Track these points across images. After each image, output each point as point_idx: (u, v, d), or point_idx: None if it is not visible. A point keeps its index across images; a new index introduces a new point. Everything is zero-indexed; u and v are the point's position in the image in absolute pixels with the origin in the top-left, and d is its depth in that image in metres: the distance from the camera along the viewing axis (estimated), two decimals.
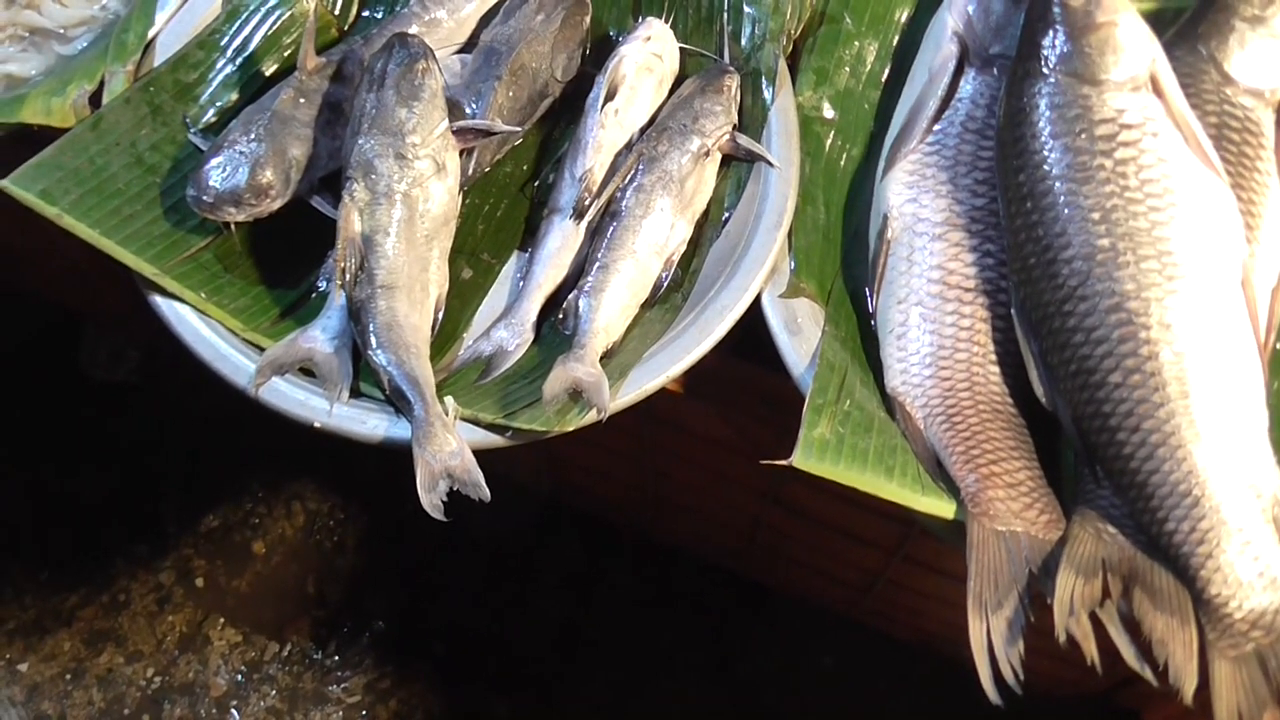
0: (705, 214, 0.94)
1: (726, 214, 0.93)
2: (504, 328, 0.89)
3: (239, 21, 1.00)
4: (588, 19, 1.02)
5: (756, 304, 0.86)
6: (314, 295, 0.91)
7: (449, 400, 0.81)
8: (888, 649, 1.37)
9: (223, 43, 0.99)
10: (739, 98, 0.97)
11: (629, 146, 0.95)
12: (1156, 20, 0.89)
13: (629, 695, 1.39)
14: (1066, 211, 0.79)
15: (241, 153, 0.88)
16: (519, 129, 0.98)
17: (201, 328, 0.85)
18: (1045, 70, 0.83)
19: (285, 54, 1.01)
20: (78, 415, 1.58)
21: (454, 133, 0.89)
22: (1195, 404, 0.75)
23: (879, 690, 1.38)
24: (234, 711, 1.39)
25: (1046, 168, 0.81)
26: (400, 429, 0.81)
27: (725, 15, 1.01)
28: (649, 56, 0.97)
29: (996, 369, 0.84)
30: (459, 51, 1.03)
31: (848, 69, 1.00)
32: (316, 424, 0.82)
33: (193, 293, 0.86)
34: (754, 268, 0.87)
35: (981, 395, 0.83)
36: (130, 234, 0.88)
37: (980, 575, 0.74)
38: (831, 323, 0.87)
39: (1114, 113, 0.81)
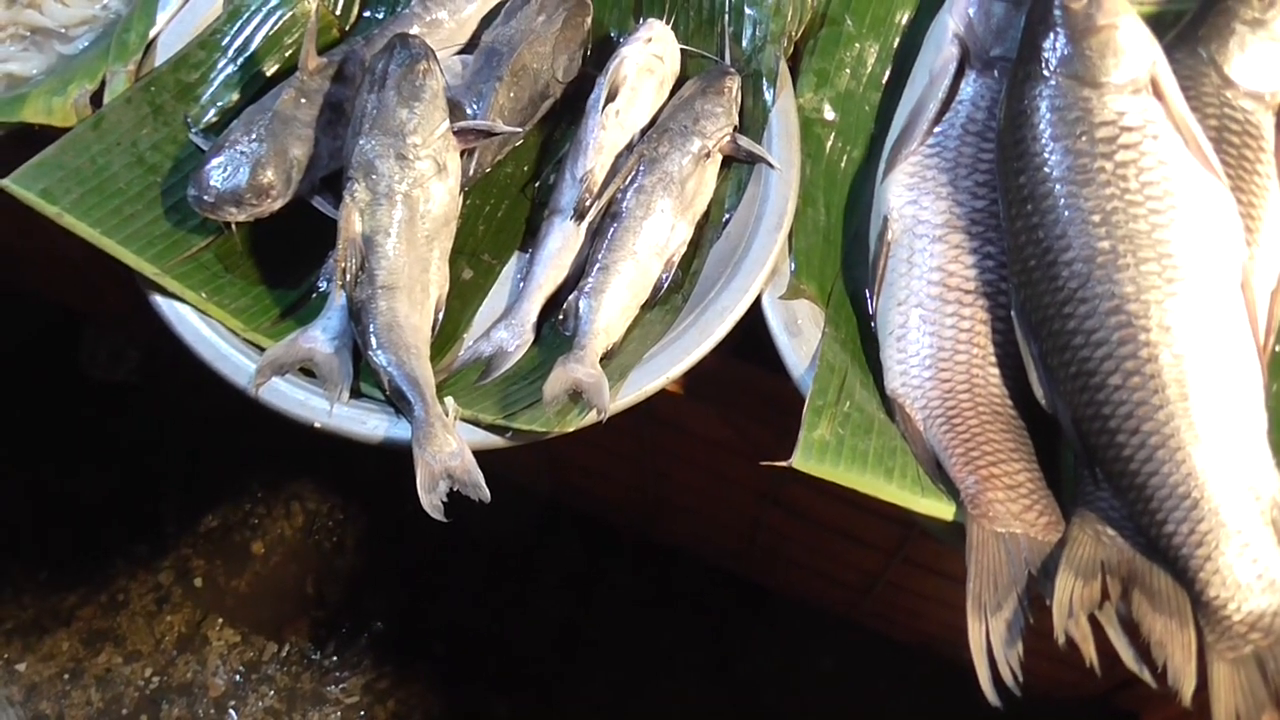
0: (706, 215, 0.94)
1: (727, 215, 0.93)
2: (504, 328, 0.89)
3: (240, 21, 1.00)
4: (589, 20, 1.02)
5: (757, 305, 0.87)
6: (314, 295, 0.91)
7: (449, 401, 0.81)
8: (887, 650, 1.37)
9: (224, 43, 0.99)
10: (740, 99, 0.97)
11: (630, 148, 0.95)
12: (1157, 23, 0.89)
13: (629, 695, 1.39)
14: (1067, 214, 0.80)
15: (243, 153, 0.88)
16: (520, 130, 0.98)
17: (202, 328, 0.85)
18: (1046, 73, 0.84)
19: (286, 54, 1.01)
20: (77, 415, 1.58)
21: (455, 133, 0.89)
22: (1195, 406, 0.75)
23: (878, 691, 1.38)
24: (232, 712, 1.39)
25: (1047, 170, 0.81)
26: (400, 429, 0.81)
27: (726, 17, 1.02)
28: (650, 58, 0.98)
29: (996, 371, 0.84)
30: (460, 52, 1.03)
31: (849, 71, 1.00)
32: (317, 424, 0.82)
33: (193, 292, 0.86)
34: (754, 269, 0.87)
35: (981, 397, 0.83)
36: (131, 233, 0.88)
37: (980, 577, 0.74)
38: (831, 324, 0.87)
39: (1114, 115, 0.81)
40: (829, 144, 0.98)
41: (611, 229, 0.90)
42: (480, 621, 1.44)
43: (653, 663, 1.40)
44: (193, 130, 0.95)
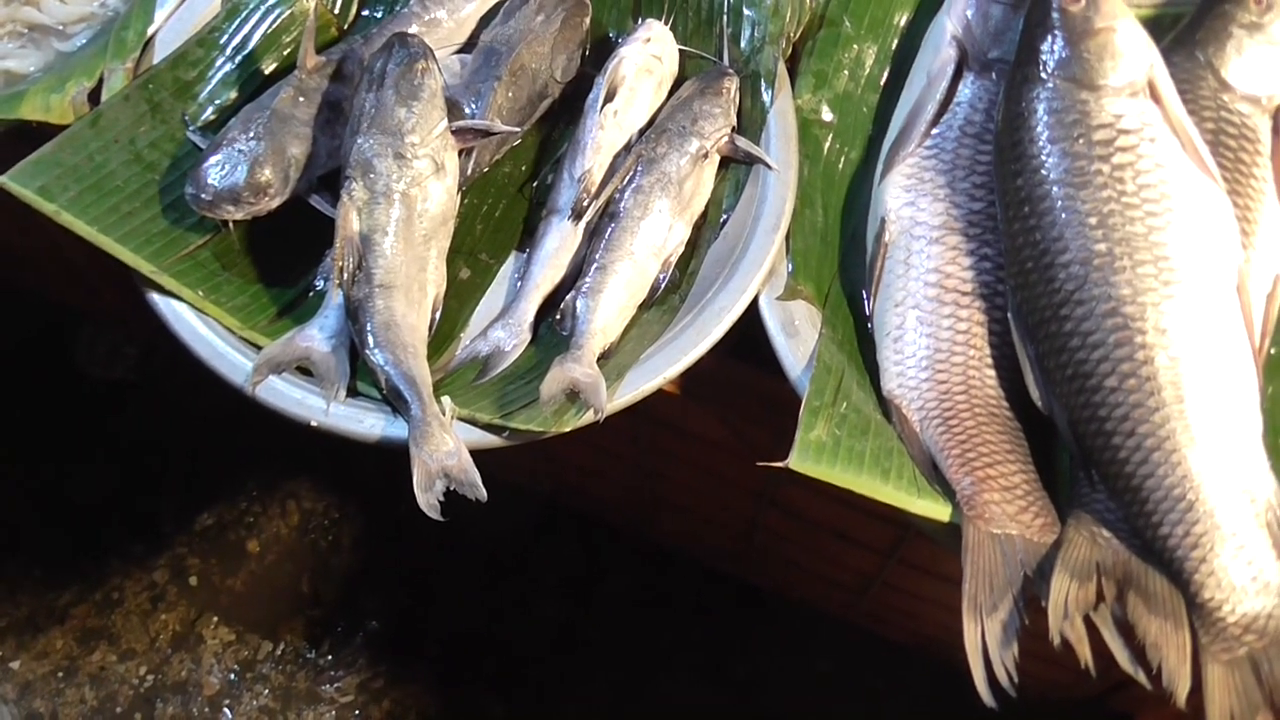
0: (703, 216, 0.94)
1: (725, 216, 0.93)
2: (501, 328, 0.89)
3: (239, 20, 1.00)
4: (587, 20, 1.03)
5: (754, 306, 0.87)
6: (312, 294, 0.91)
7: (446, 400, 0.81)
8: (883, 651, 1.37)
9: (222, 41, 0.99)
10: (738, 100, 0.97)
11: (628, 148, 0.95)
12: (1154, 26, 0.89)
13: (626, 696, 1.39)
14: (1064, 216, 0.80)
15: (240, 151, 0.88)
16: (518, 129, 0.98)
17: (199, 326, 0.85)
18: (1043, 75, 0.84)
19: (285, 53, 1.01)
20: (74, 412, 1.57)
21: (453, 133, 0.89)
22: (1190, 409, 0.75)
23: (875, 692, 1.38)
24: (227, 710, 1.39)
25: (1044, 172, 0.81)
26: (397, 428, 0.81)
27: (725, 18, 1.02)
28: (648, 58, 0.98)
29: (993, 372, 0.84)
30: (459, 51, 1.03)
31: (847, 72, 1.00)
32: (314, 423, 0.81)
33: (190, 290, 0.86)
34: (752, 270, 0.87)
35: (978, 399, 0.83)
36: (128, 231, 0.88)
37: (975, 578, 0.74)
38: (828, 325, 0.87)
39: (1112, 118, 0.81)
40: (827, 145, 0.98)
41: (609, 229, 0.90)
42: (477, 621, 1.44)
43: (650, 663, 1.40)
44: (190, 128, 0.95)
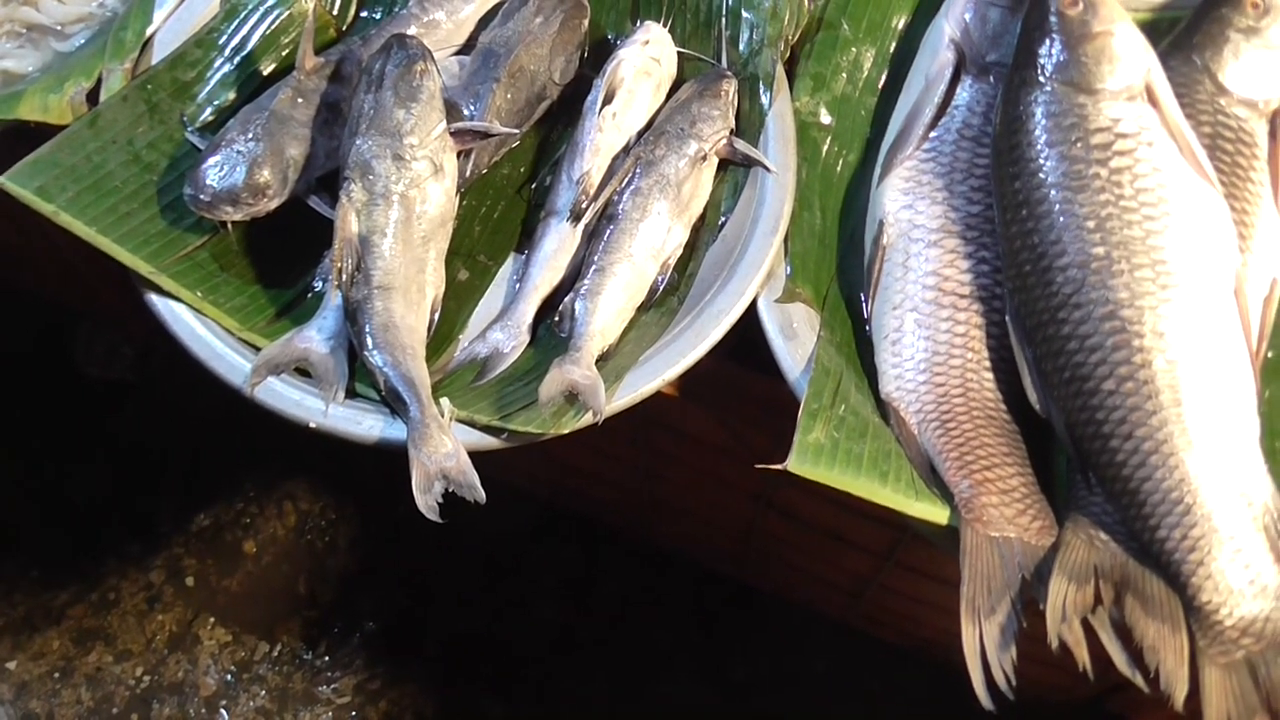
0: (702, 218, 0.94)
1: (723, 218, 0.93)
2: (500, 329, 0.89)
3: (237, 20, 1.00)
4: (586, 22, 1.03)
5: (752, 308, 0.87)
6: (310, 295, 0.91)
7: (445, 401, 0.81)
8: (880, 653, 1.37)
9: (221, 41, 0.99)
10: (736, 102, 0.97)
11: (626, 150, 0.95)
12: (1152, 30, 0.89)
13: (624, 697, 1.39)
14: (1061, 219, 0.80)
15: (239, 152, 0.88)
16: (516, 131, 0.98)
17: (197, 326, 0.85)
18: (1041, 79, 0.84)
19: (283, 53, 1.01)
20: (71, 412, 1.57)
21: (452, 134, 0.89)
22: (1188, 412, 0.75)
23: (871, 694, 1.38)
24: (223, 711, 1.39)
25: (1042, 176, 0.81)
26: (396, 430, 0.81)
27: (723, 20, 1.02)
28: (647, 60, 0.98)
29: (990, 375, 0.84)
30: (457, 53, 1.03)
31: (845, 75, 1.01)
32: (312, 424, 0.81)
33: (189, 291, 0.86)
34: (750, 272, 0.87)
35: (975, 401, 0.83)
36: (127, 232, 0.88)
37: (974, 581, 0.74)
38: (827, 328, 0.87)
39: (1109, 122, 0.81)
40: (825, 148, 0.98)
41: (608, 231, 0.90)
42: (475, 623, 1.44)
43: (647, 665, 1.40)
44: (189, 129, 0.95)
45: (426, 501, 0.78)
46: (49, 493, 1.52)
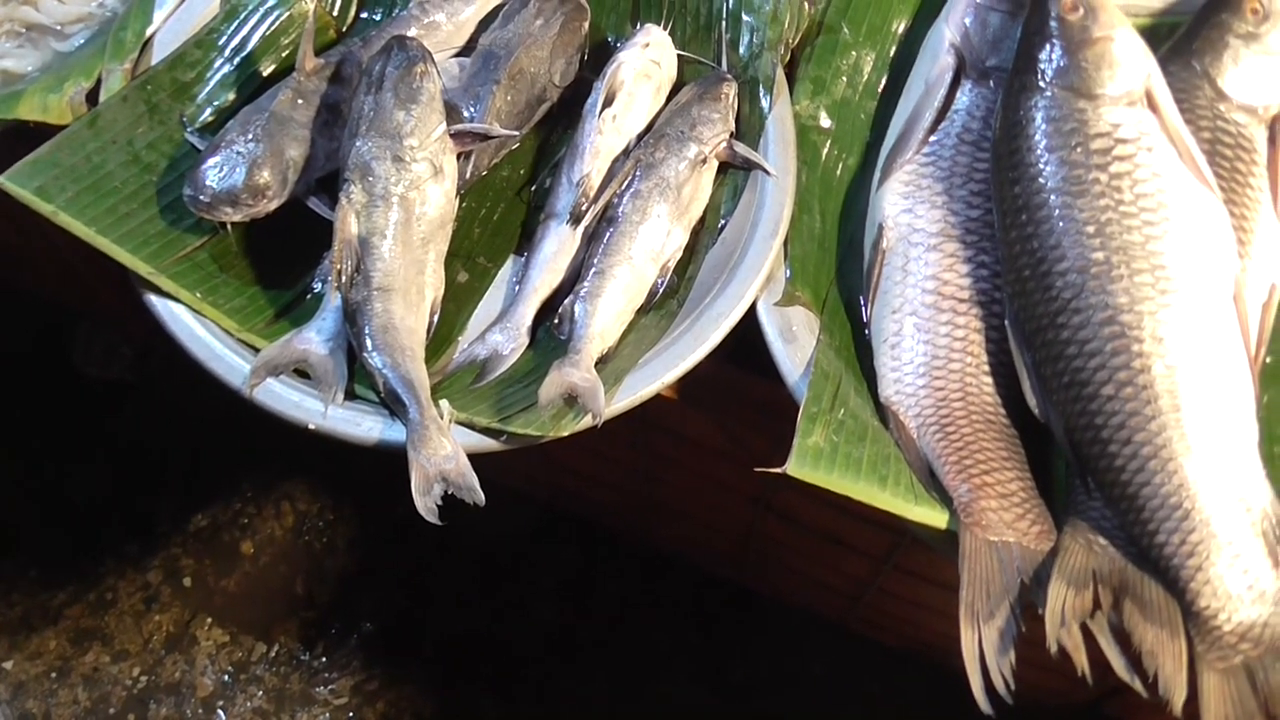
0: (701, 221, 0.94)
1: (723, 221, 0.93)
2: (499, 331, 0.89)
3: (237, 21, 1.00)
4: (586, 24, 1.03)
5: (752, 311, 0.87)
6: (309, 296, 0.91)
7: (444, 403, 0.81)
8: (878, 656, 1.37)
9: (220, 42, 0.99)
10: (736, 106, 0.97)
11: (626, 152, 0.95)
12: (1151, 35, 0.89)
13: (623, 699, 1.39)
14: (1061, 224, 0.80)
15: (239, 153, 0.88)
16: (516, 133, 0.98)
17: (196, 327, 0.85)
18: (1041, 84, 0.84)
19: (283, 54, 1.01)
20: (70, 412, 1.57)
21: (451, 136, 0.89)
22: (1186, 417, 0.75)
23: (870, 696, 1.38)
24: (220, 712, 1.39)
25: (1042, 180, 0.82)
26: (395, 432, 0.81)
27: (724, 23, 1.02)
28: (647, 63, 0.98)
29: (990, 380, 0.84)
30: (457, 55, 1.03)
31: (845, 79, 1.01)
32: (311, 426, 0.81)
33: (188, 292, 0.86)
34: (750, 275, 0.87)
35: (974, 405, 0.83)
36: (126, 232, 0.88)
37: (972, 585, 0.74)
38: (826, 331, 0.87)
39: (1109, 127, 0.81)
40: (825, 151, 0.98)
41: (607, 233, 0.90)
42: (473, 624, 1.44)
43: (646, 667, 1.40)
44: (189, 130, 0.95)
45: (426, 504, 0.77)
46: (47, 492, 1.52)
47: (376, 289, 0.83)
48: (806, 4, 1.00)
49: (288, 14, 1.01)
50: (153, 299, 0.86)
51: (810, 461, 0.78)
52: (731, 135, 0.95)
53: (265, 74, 0.99)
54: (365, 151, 0.86)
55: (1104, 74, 0.83)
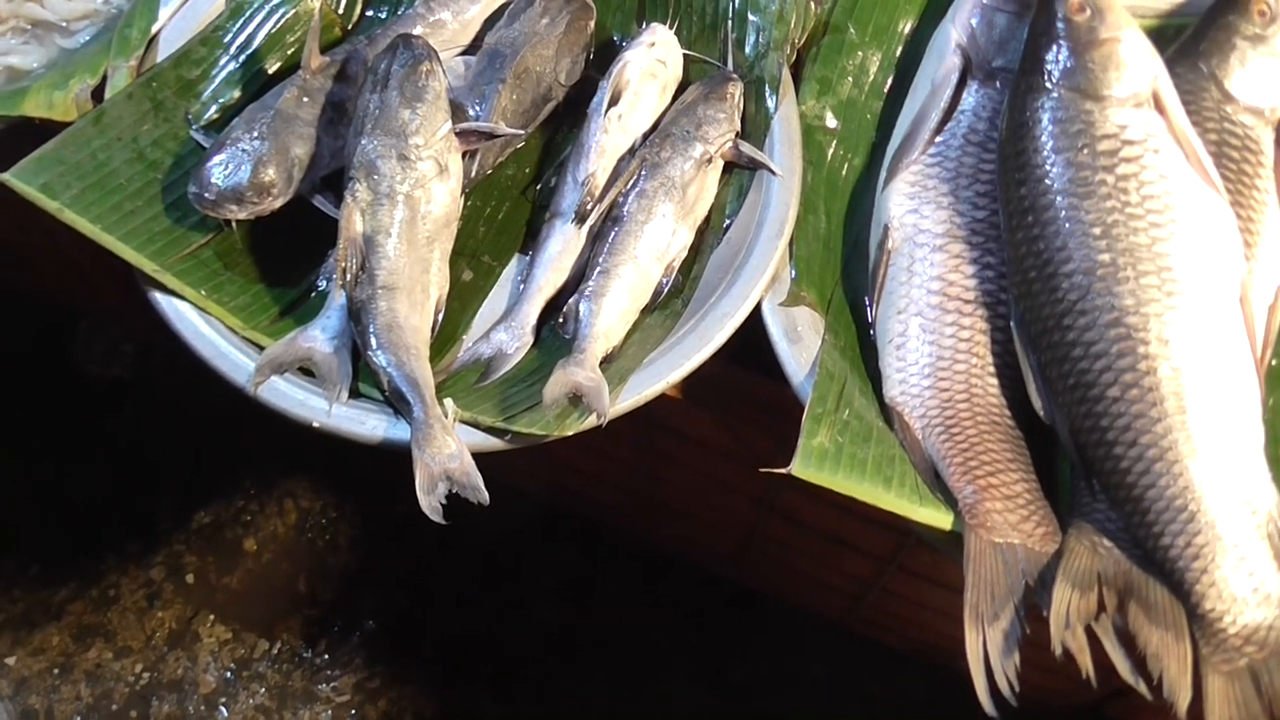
0: (707, 221, 0.94)
1: (728, 221, 0.93)
2: (504, 330, 0.89)
3: (243, 18, 1.00)
4: (592, 23, 1.02)
5: (757, 311, 0.87)
6: (314, 294, 0.91)
7: (448, 402, 0.81)
8: (880, 656, 1.37)
9: (226, 39, 0.99)
10: (742, 105, 0.97)
11: (632, 152, 0.95)
12: (1158, 37, 0.89)
13: (623, 699, 1.38)
14: (1067, 226, 0.80)
15: (244, 150, 0.88)
16: (522, 132, 0.98)
17: (201, 325, 0.85)
18: (1048, 85, 0.84)
19: (288, 52, 1.01)
20: (70, 410, 1.57)
21: (457, 135, 0.89)
22: (1192, 419, 0.75)
23: (871, 697, 1.38)
24: (223, 709, 1.39)
25: (1048, 182, 0.81)
26: (399, 430, 0.81)
27: (730, 23, 1.02)
28: (653, 62, 0.98)
29: (995, 381, 0.84)
30: (463, 53, 1.03)
31: (851, 79, 1.00)
32: (315, 424, 0.81)
33: (193, 290, 0.86)
34: (755, 275, 0.87)
35: (980, 407, 0.83)
36: (131, 230, 0.88)
37: (977, 587, 0.74)
38: (831, 332, 0.87)
39: (1116, 128, 0.81)
40: (830, 151, 0.98)
41: (612, 233, 0.90)
42: (474, 623, 1.44)
43: (647, 667, 1.40)
44: (194, 127, 0.95)
45: (430, 503, 0.77)
46: (49, 490, 1.52)
47: (381, 287, 0.83)
48: (812, 4, 1.00)
49: (293, 12, 1.01)
50: (157, 296, 0.86)
51: (815, 462, 0.78)
52: (737, 135, 0.95)
53: (271, 72, 0.99)
54: (370, 150, 0.86)
55: (1111, 75, 0.82)
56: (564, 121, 1.02)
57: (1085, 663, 0.73)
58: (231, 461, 1.52)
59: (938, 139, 0.91)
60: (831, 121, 0.99)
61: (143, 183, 0.91)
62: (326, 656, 1.42)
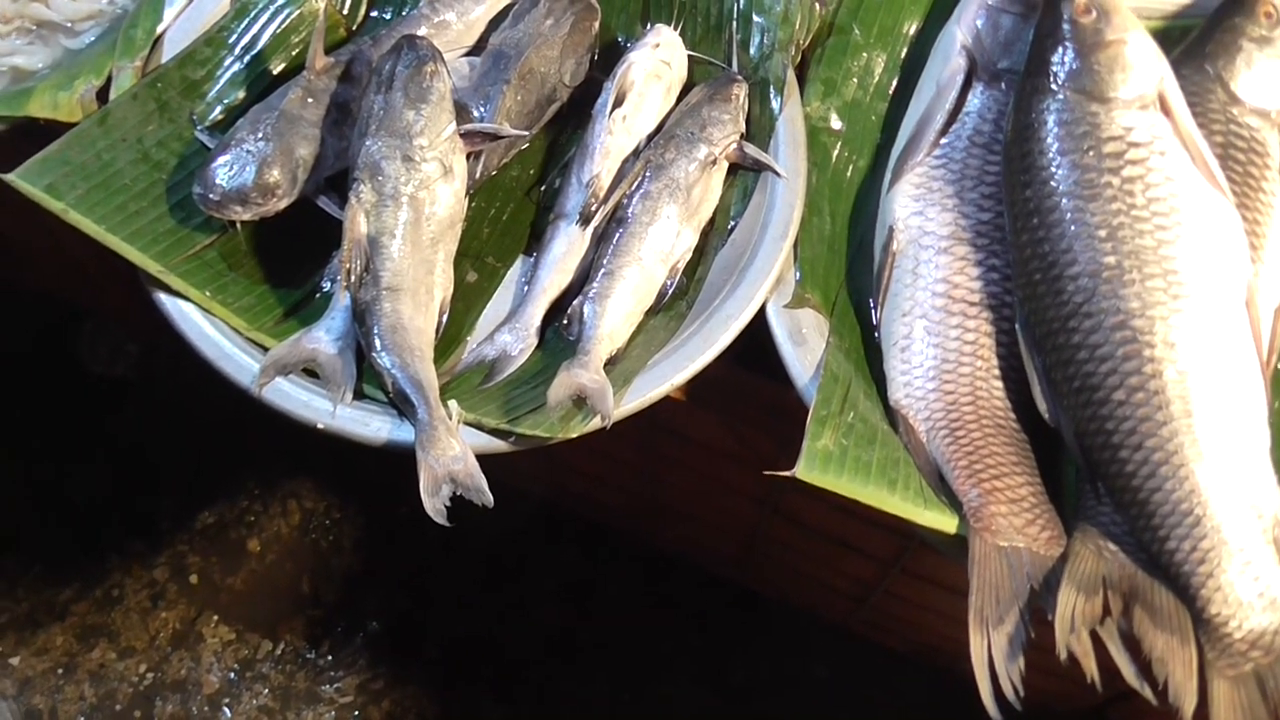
0: (711, 222, 0.94)
1: (733, 223, 0.93)
2: (508, 332, 0.89)
3: (247, 19, 1.00)
4: (596, 24, 1.02)
5: (761, 314, 0.86)
6: (318, 296, 0.91)
7: (453, 404, 0.81)
8: (882, 659, 1.37)
9: (231, 40, 0.99)
10: (747, 107, 0.97)
11: (636, 153, 0.95)
12: (1164, 38, 0.89)
13: (624, 701, 1.38)
14: (1073, 228, 0.80)
15: (249, 151, 0.88)
16: (526, 133, 0.98)
17: (205, 326, 0.85)
18: (1054, 86, 0.84)
19: (293, 53, 1.01)
20: (74, 410, 1.57)
21: (461, 136, 0.89)
22: (1198, 423, 0.75)
23: (871, 699, 1.38)
24: (226, 709, 1.39)
25: (1053, 184, 0.81)
26: (403, 432, 0.80)
27: (734, 24, 1.02)
28: (657, 63, 0.97)
29: (1000, 383, 0.84)
30: (467, 54, 1.03)
31: (856, 80, 1.00)
32: (320, 425, 0.81)
33: (197, 291, 0.86)
34: (759, 277, 0.87)
35: (984, 409, 0.83)
36: (135, 230, 0.88)
37: (982, 590, 0.74)
38: (836, 334, 0.87)
39: (1122, 130, 0.81)
40: (835, 153, 0.98)
41: (617, 234, 0.90)
42: (477, 625, 1.44)
43: (648, 668, 1.40)
44: (198, 128, 0.95)
45: (434, 504, 0.77)
46: (53, 490, 1.52)
47: (385, 289, 0.83)
48: (817, 5, 1.00)
49: (298, 12, 1.01)
50: (162, 297, 0.86)
51: (819, 465, 0.78)
52: (742, 136, 0.95)
53: (275, 72, 0.99)
54: (375, 151, 0.86)
55: (1117, 77, 0.82)
56: (568, 123, 1.02)
57: (1090, 667, 0.72)
58: (235, 462, 1.52)
59: (943, 141, 0.91)
60: (836, 123, 0.98)
61: (147, 183, 0.91)
62: (330, 657, 1.42)
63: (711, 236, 0.94)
